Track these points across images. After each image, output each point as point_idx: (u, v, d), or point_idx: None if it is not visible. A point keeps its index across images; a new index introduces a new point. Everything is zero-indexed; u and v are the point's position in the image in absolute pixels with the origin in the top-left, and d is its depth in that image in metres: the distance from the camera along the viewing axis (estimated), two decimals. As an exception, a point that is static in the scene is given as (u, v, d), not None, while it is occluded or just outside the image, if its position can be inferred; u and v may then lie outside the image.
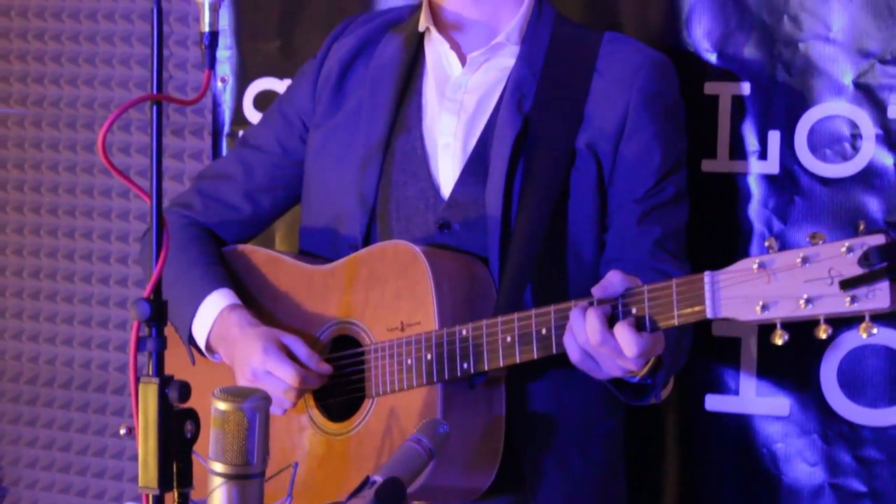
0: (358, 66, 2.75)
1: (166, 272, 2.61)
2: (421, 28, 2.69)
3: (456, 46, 2.67)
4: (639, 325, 2.24)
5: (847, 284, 2.04)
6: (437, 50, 2.69)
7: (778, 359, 2.85)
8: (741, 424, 2.91)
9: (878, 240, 2.02)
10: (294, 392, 2.53)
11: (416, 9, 2.74)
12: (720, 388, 2.92)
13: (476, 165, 2.59)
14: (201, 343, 2.65)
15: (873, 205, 2.80)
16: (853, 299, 2.04)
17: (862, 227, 2.05)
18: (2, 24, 3.80)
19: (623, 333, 2.23)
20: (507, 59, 2.64)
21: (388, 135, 2.65)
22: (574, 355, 2.31)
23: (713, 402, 2.93)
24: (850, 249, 2.04)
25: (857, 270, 2.03)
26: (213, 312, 2.63)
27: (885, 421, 2.80)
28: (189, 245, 2.74)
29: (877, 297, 2.02)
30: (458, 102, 2.64)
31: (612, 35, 2.68)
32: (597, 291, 2.28)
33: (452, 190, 2.60)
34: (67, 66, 3.75)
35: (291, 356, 2.54)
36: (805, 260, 2.08)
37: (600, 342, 2.25)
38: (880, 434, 2.81)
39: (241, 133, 3.34)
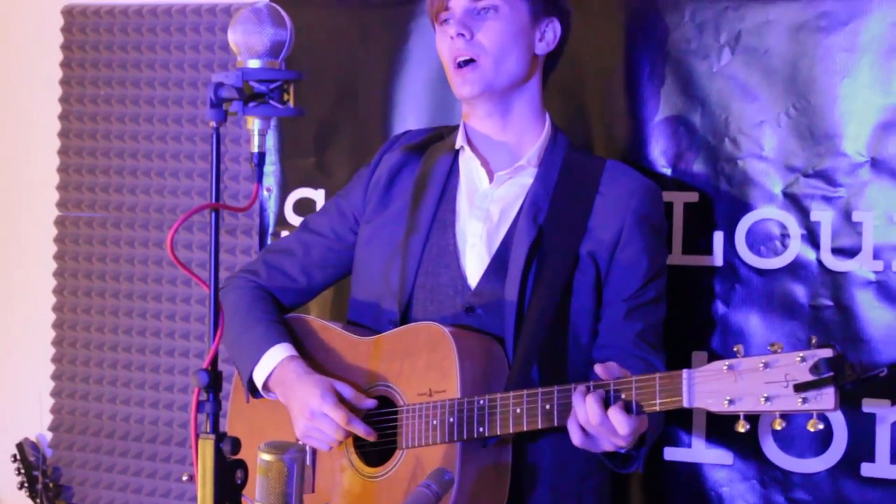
0: (404, 175, 2.74)
1: (238, 324, 2.68)
2: (457, 146, 2.70)
3: (485, 163, 2.67)
4: (627, 409, 2.25)
5: (800, 388, 2.06)
6: (469, 165, 2.69)
7: (723, 419, 2.84)
8: (693, 471, 2.91)
9: (827, 353, 2.05)
10: (343, 432, 2.52)
11: (454, 129, 2.75)
12: (676, 442, 2.91)
13: (498, 263, 2.59)
14: (259, 384, 2.64)
15: (799, 291, 2.80)
16: (804, 400, 2.06)
17: (814, 340, 2.08)
18: (89, 144, 3.83)
19: (616, 416, 2.25)
20: (526, 179, 2.64)
21: (427, 232, 2.66)
22: (576, 438, 2.32)
23: (671, 453, 2.92)
24: (803, 359, 2.06)
25: (809, 377, 2.05)
26: (274, 360, 2.62)
27: (811, 468, 2.80)
28: (257, 304, 2.74)
29: (823, 399, 2.05)
30: (485, 211, 2.64)
31: (613, 163, 2.68)
32: (599, 370, 2.30)
33: (478, 282, 2.59)
34: (142, 179, 3.77)
35: (343, 401, 2.54)
36: (766, 365, 2.10)
37: (599, 422, 2.26)
38: (808, 479, 2.80)
39: (279, 226, 3.36)
